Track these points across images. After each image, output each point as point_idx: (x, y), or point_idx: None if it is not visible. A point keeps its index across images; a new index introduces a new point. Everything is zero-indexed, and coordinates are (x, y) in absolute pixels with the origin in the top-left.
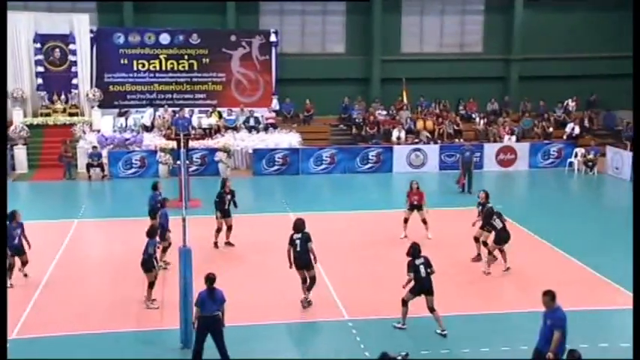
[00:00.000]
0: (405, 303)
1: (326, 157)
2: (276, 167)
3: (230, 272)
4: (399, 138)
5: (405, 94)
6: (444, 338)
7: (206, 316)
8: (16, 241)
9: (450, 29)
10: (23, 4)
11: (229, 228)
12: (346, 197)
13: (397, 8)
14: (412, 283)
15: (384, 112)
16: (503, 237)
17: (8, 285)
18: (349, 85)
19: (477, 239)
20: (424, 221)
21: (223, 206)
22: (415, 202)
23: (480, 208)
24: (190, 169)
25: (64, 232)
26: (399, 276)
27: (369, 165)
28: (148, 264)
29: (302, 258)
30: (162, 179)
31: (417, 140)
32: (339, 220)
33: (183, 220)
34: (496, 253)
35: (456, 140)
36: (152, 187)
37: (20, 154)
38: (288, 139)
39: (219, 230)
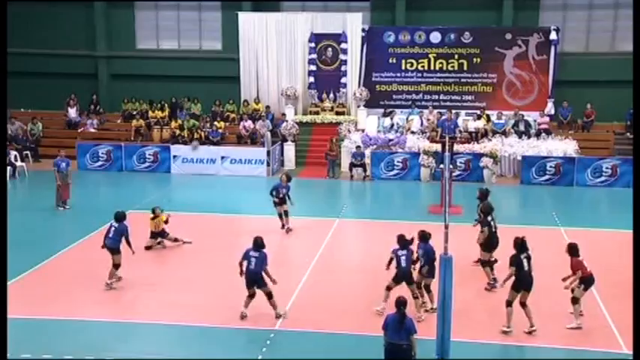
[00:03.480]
0: (509, 304)
1: (606, 168)
2: (547, 177)
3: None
4: None
5: None
6: None
7: (391, 343)
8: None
9: None
10: (301, 5)
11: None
12: (628, 214)
13: None
14: (512, 280)
15: None
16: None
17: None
18: None
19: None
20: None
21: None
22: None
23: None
24: (453, 174)
25: (326, 229)
26: None
27: None
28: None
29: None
30: (424, 183)
31: None
32: (619, 239)
33: (446, 227)
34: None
35: None
36: (117, 218)
37: (289, 150)
38: (562, 146)
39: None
